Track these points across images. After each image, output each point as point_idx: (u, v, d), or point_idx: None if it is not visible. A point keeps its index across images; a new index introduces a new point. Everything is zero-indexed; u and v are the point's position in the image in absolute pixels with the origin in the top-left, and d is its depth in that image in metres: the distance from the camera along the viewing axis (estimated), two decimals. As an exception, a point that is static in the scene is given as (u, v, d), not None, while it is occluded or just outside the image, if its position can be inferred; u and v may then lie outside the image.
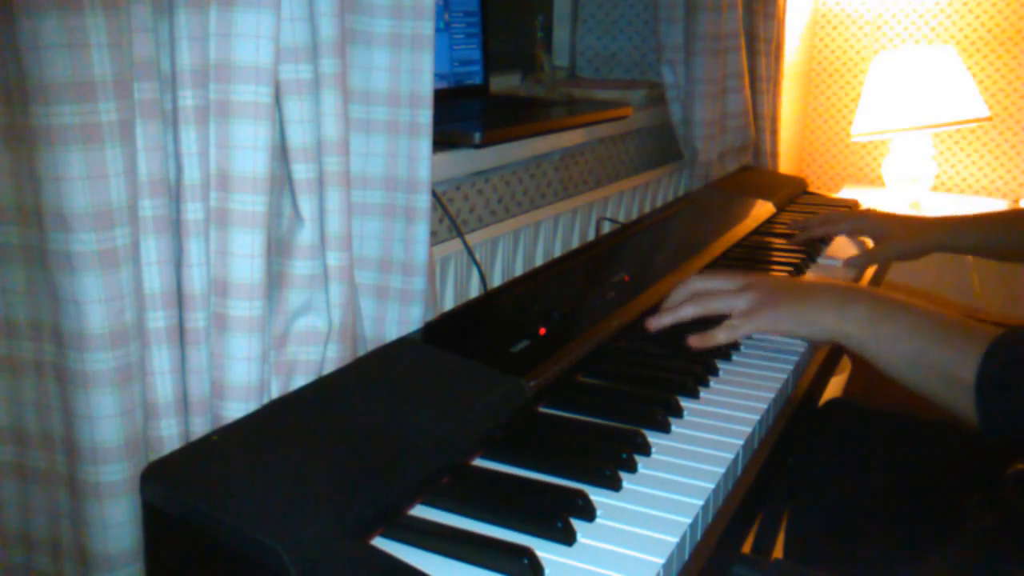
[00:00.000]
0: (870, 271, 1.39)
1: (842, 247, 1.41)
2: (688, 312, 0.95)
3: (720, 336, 0.93)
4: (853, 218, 1.41)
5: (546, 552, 0.60)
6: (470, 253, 1.17)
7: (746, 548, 0.94)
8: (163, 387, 0.73)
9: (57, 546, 0.74)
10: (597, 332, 0.94)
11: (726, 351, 0.95)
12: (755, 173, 1.92)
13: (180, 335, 0.74)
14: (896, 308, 0.85)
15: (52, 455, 0.72)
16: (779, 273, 1.25)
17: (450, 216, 1.18)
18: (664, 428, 0.78)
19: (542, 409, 0.83)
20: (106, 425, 0.68)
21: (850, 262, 1.34)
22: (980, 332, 0.80)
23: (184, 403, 0.75)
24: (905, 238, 1.31)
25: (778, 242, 1.43)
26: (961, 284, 2.45)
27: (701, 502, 0.67)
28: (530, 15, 1.77)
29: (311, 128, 0.78)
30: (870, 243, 1.40)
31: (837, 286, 0.90)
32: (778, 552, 1.17)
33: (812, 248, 1.37)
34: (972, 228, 1.29)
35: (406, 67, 0.87)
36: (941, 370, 0.81)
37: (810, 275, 1.28)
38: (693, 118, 1.71)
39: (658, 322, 0.96)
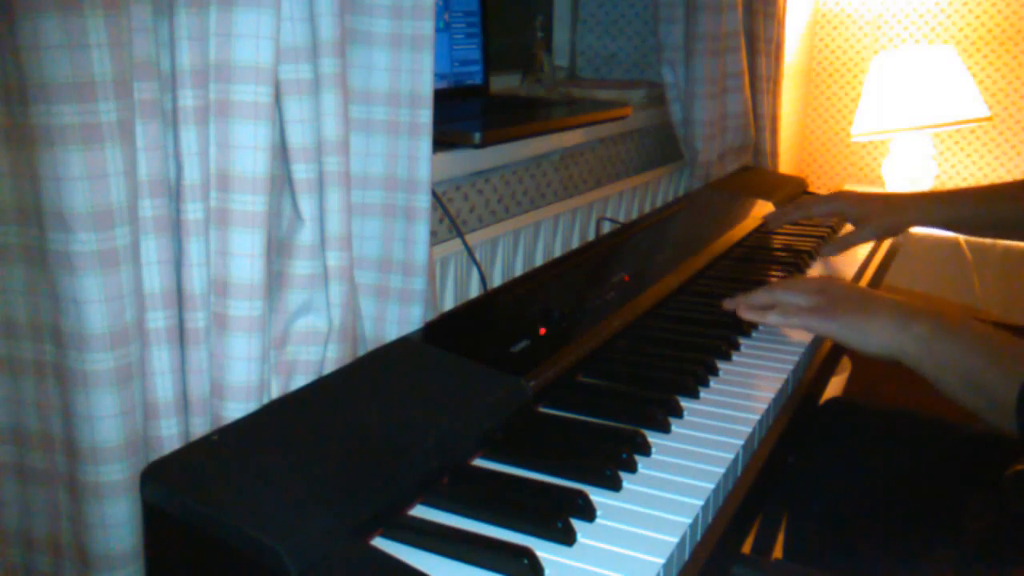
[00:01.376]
0: (876, 262, 1.39)
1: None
2: (771, 321, 0.97)
3: (771, 318, 0.95)
4: (828, 200, 1.39)
5: (546, 552, 0.60)
6: (470, 253, 1.17)
7: (746, 548, 0.94)
8: (163, 387, 0.73)
9: (57, 546, 0.74)
10: (597, 332, 0.94)
11: (726, 351, 0.95)
12: (755, 173, 1.92)
13: (180, 335, 0.74)
14: (952, 326, 0.85)
15: (52, 455, 0.72)
16: (780, 272, 1.25)
17: (450, 216, 1.18)
18: (664, 428, 0.78)
19: (542, 409, 0.83)
20: (106, 425, 0.68)
21: (826, 249, 1.35)
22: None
23: (184, 403, 0.75)
24: (881, 217, 1.31)
25: (778, 242, 1.43)
26: (961, 284, 2.45)
27: (701, 502, 0.67)
28: (530, 15, 1.77)
29: (311, 128, 0.78)
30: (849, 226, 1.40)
31: (898, 302, 0.90)
32: (778, 552, 1.17)
33: (814, 247, 1.37)
34: (947, 203, 1.29)
35: (406, 67, 0.87)
36: (988, 390, 0.81)
37: (812, 274, 1.28)
38: (693, 118, 1.71)
39: (745, 312, 0.99)
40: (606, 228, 1.56)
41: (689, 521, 0.64)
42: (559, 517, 0.62)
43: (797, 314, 0.94)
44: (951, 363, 0.84)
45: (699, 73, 1.67)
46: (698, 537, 0.66)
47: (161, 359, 0.73)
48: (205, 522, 0.59)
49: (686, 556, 0.64)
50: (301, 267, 0.81)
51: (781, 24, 2.02)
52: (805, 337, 1.00)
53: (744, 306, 0.98)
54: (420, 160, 0.89)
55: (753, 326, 1.03)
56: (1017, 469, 0.97)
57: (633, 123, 1.66)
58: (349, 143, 0.84)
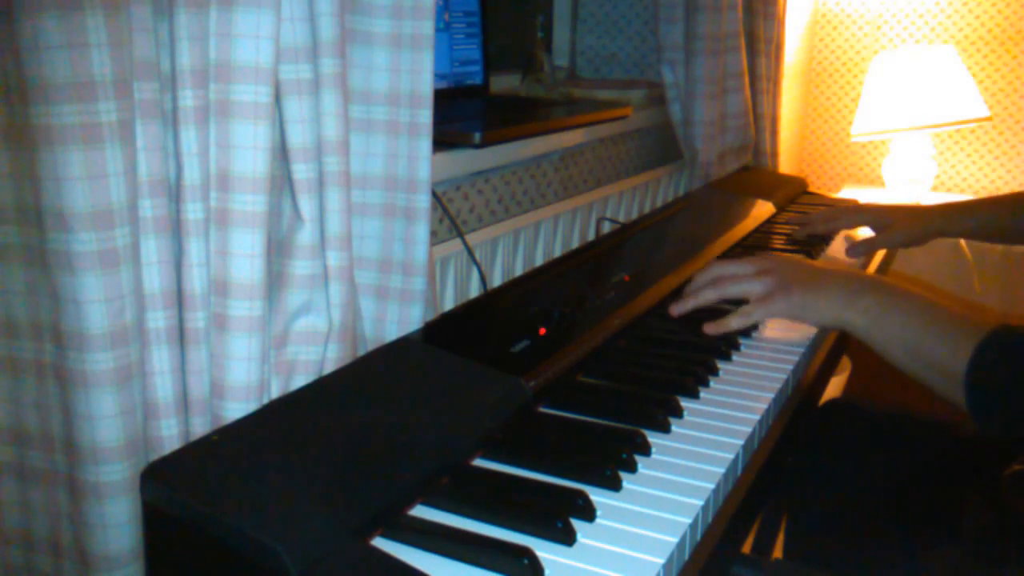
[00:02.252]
0: (876, 261, 1.40)
1: (841, 248, 1.41)
2: (708, 296, 0.98)
3: (733, 323, 0.95)
4: (854, 213, 1.43)
5: (546, 552, 0.60)
6: (470, 253, 1.17)
7: (746, 548, 0.94)
8: (163, 387, 0.73)
9: (57, 546, 0.74)
10: (597, 332, 0.94)
11: (726, 351, 0.95)
12: (755, 173, 1.92)
13: (180, 335, 0.74)
14: (900, 299, 0.87)
15: (52, 455, 0.72)
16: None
17: (450, 216, 1.18)
18: (664, 428, 0.78)
19: (542, 409, 0.83)
20: (106, 425, 0.68)
21: (853, 250, 1.36)
22: (974, 326, 0.81)
23: (184, 403, 0.75)
24: (906, 226, 1.33)
25: (778, 242, 1.43)
26: (962, 284, 2.45)
27: (701, 502, 0.67)
28: (530, 15, 1.77)
29: (311, 128, 0.78)
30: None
31: (848, 275, 0.92)
32: (778, 552, 1.17)
33: (812, 247, 1.37)
34: (969, 213, 1.32)
35: (406, 67, 0.87)
36: (937, 363, 0.82)
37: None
38: (693, 118, 1.71)
39: (681, 307, 1.00)
40: (606, 228, 1.56)
41: (689, 521, 0.64)
42: (559, 517, 0.62)
43: (755, 308, 0.95)
44: (897, 335, 0.85)
45: (699, 73, 1.67)
46: (698, 537, 0.66)
47: (161, 359, 0.73)
48: (205, 522, 0.59)
49: (686, 556, 0.64)
50: (301, 267, 0.81)
51: (781, 24, 2.02)
52: (805, 337, 1.00)
53: (711, 327, 0.97)
54: (420, 160, 0.89)
55: (753, 326, 1.03)
56: (1015, 469, 0.98)
57: (633, 123, 1.66)
58: (349, 143, 0.84)
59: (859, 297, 0.89)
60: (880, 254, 1.43)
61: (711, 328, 0.96)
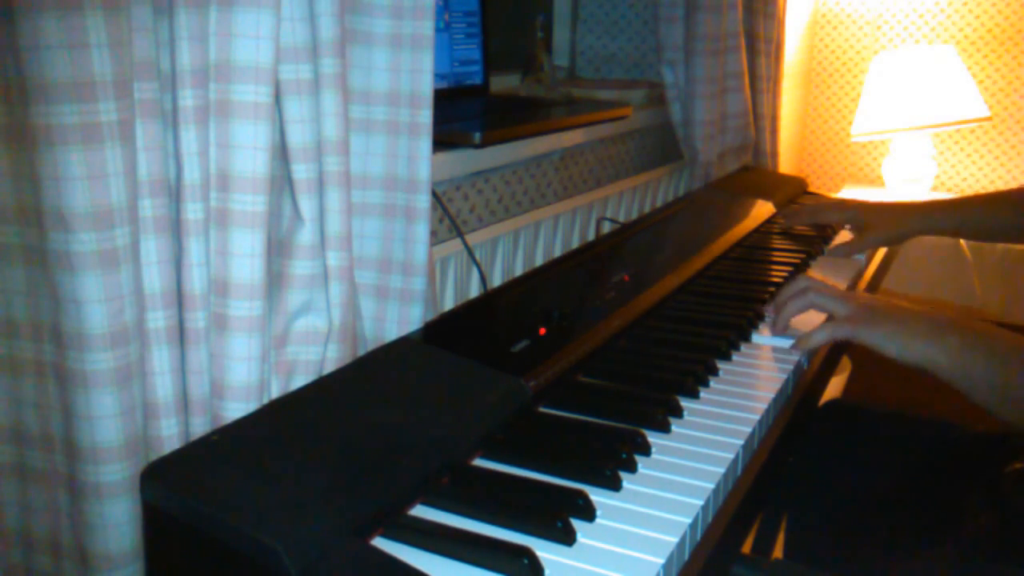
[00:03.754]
0: (876, 260, 1.40)
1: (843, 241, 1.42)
2: (798, 305, 0.99)
3: (818, 337, 0.95)
4: (836, 210, 1.45)
5: (546, 552, 0.60)
6: (470, 253, 1.17)
7: (746, 548, 0.94)
8: (163, 387, 0.73)
9: (57, 546, 0.74)
10: (597, 332, 0.94)
11: (726, 351, 0.95)
12: (755, 173, 1.92)
13: (180, 335, 0.74)
14: (984, 338, 0.87)
15: (52, 455, 0.72)
16: (781, 272, 1.25)
17: (450, 216, 1.18)
18: (664, 428, 0.78)
19: (542, 409, 0.83)
20: (106, 425, 0.68)
21: (833, 251, 1.38)
22: None
23: (184, 403, 0.75)
24: (885, 226, 1.34)
25: (778, 242, 1.43)
26: (962, 284, 2.46)
27: (701, 502, 0.67)
28: (530, 15, 1.77)
29: (311, 128, 0.78)
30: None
31: (932, 315, 0.91)
32: (778, 552, 1.17)
33: (812, 247, 1.38)
34: (950, 211, 1.32)
35: (406, 67, 0.87)
36: (1019, 400, 0.82)
37: (812, 273, 1.28)
38: (693, 118, 1.71)
39: (779, 323, 1.00)
40: (606, 228, 1.56)
41: (689, 521, 0.64)
42: (559, 517, 0.62)
43: (842, 326, 0.94)
44: (982, 375, 0.85)
45: (699, 73, 1.67)
46: (698, 537, 0.66)
47: (161, 359, 0.73)
48: (205, 522, 0.59)
49: (686, 556, 0.64)
50: (301, 267, 0.81)
51: (781, 24, 2.02)
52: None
53: (802, 343, 0.98)
54: (420, 160, 0.89)
55: (753, 326, 1.03)
56: (1016, 467, 0.98)
57: (633, 123, 1.67)
58: (349, 143, 0.84)
59: (944, 336, 0.88)
60: (878, 256, 1.43)
61: (801, 344, 0.96)
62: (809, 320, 1.01)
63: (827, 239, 1.45)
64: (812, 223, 1.48)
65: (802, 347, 0.97)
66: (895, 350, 0.90)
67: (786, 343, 0.99)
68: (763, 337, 1.01)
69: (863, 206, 1.42)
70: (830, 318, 0.98)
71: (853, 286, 1.27)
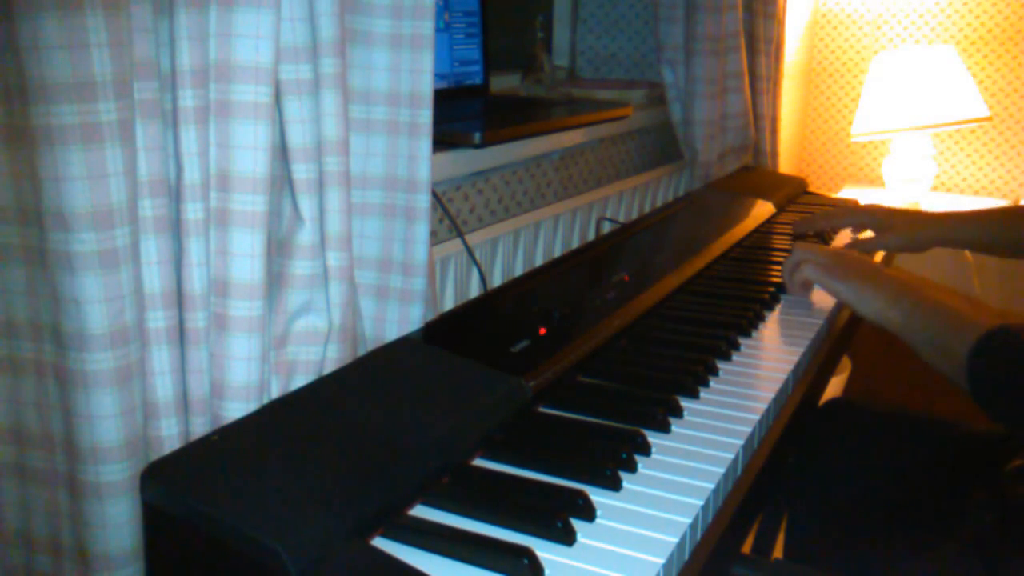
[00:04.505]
0: (876, 261, 1.40)
1: (843, 245, 1.42)
2: (800, 276, 1.12)
3: (806, 271, 1.09)
4: (855, 213, 1.43)
5: (546, 552, 0.60)
6: (470, 253, 1.17)
7: (746, 548, 0.94)
8: (163, 387, 0.73)
9: (57, 546, 0.74)
10: (597, 332, 0.94)
11: (726, 351, 0.95)
12: (755, 173, 1.92)
13: (180, 335, 0.74)
14: (929, 301, 0.94)
15: (52, 455, 0.72)
16: (781, 272, 1.25)
17: (450, 216, 1.18)
18: (664, 428, 0.78)
19: (542, 409, 0.83)
20: (106, 425, 0.68)
21: (850, 247, 1.37)
22: (986, 320, 0.88)
23: (184, 403, 0.75)
24: (905, 231, 1.34)
25: (778, 242, 1.43)
26: (962, 284, 2.45)
27: (701, 502, 0.67)
28: (530, 15, 1.77)
29: (311, 128, 0.78)
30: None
31: (897, 277, 1.01)
32: (778, 552, 1.17)
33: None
34: (970, 224, 1.32)
35: (406, 67, 0.87)
36: (952, 355, 0.88)
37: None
38: (693, 118, 1.70)
39: (794, 291, 1.16)
40: (606, 228, 1.56)
41: (689, 521, 0.64)
42: (559, 517, 0.62)
43: (816, 269, 1.08)
44: (925, 333, 0.93)
45: (699, 73, 1.67)
46: (698, 537, 0.66)
47: (161, 359, 0.73)
48: (205, 522, 0.59)
49: (686, 556, 0.64)
50: (301, 267, 0.81)
51: (781, 24, 2.02)
52: (805, 338, 1.00)
53: (791, 283, 1.15)
54: (420, 160, 0.89)
55: (753, 326, 1.03)
56: (1017, 464, 0.98)
57: (633, 123, 1.66)
58: (349, 143, 0.84)
59: (900, 298, 0.96)
60: (879, 255, 1.43)
61: (791, 288, 1.15)
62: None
63: (829, 238, 1.45)
64: (830, 228, 1.47)
65: (791, 289, 1.14)
66: (856, 303, 1.01)
67: (789, 344, 0.99)
68: (764, 336, 1.01)
69: (883, 210, 1.41)
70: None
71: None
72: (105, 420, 0.68)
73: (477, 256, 1.21)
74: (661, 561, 0.60)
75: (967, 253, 2.41)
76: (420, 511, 0.66)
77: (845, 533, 1.06)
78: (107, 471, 0.69)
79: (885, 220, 1.37)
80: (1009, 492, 0.97)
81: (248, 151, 0.73)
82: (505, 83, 1.76)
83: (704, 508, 0.67)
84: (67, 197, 0.64)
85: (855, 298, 1.01)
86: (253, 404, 0.77)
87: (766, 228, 1.50)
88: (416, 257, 0.91)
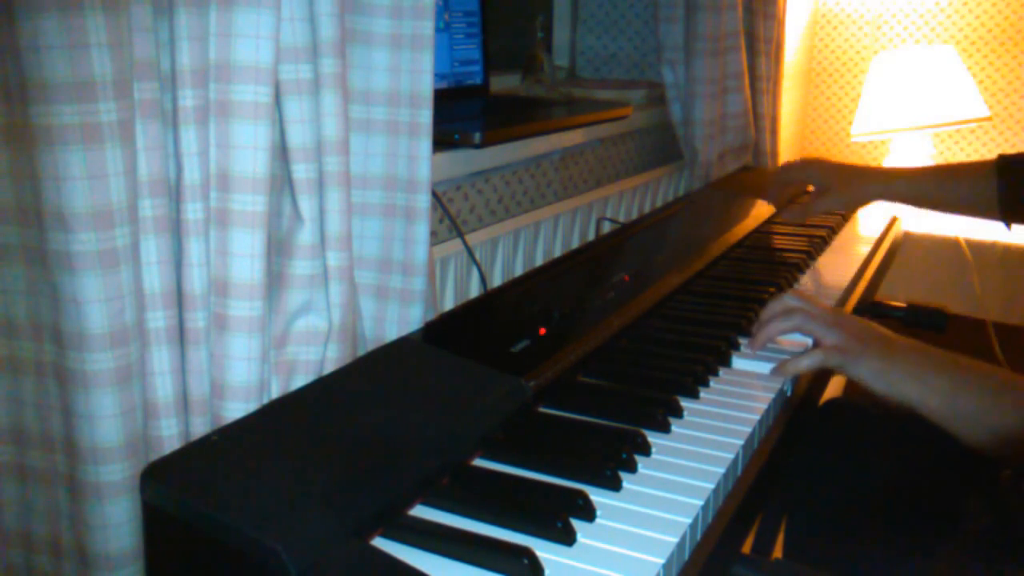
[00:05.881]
0: (869, 273, 1.40)
1: (854, 233, 1.43)
2: (782, 326, 0.94)
3: (804, 363, 0.91)
4: (799, 167, 1.48)
5: (546, 552, 0.60)
6: (470, 253, 1.17)
7: (746, 548, 0.94)
8: (163, 387, 0.73)
9: (57, 546, 0.74)
10: (597, 332, 0.94)
11: (726, 351, 0.95)
12: (755, 173, 1.92)
13: (180, 335, 0.74)
14: (975, 378, 0.85)
15: (52, 455, 0.72)
16: (780, 272, 1.25)
17: (450, 216, 1.18)
18: (664, 428, 0.78)
19: (542, 409, 0.83)
20: (106, 425, 0.68)
21: (788, 213, 1.43)
22: None
23: (184, 403, 0.75)
24: (844, 190, 1.35)
25: (778, 242, 1.43)
26: (962, 285, 2.45)
27: (701, 502, 0.67)
28: (530, 15, 1.77)
29: (311, 128, 0.78)
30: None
31: (920, 352, 0.89)
32: (778, 552, 1.17)
33: (813, 248, 1.38)
34: (911, 179, 1.32)
35: (406, 67, 0.87)
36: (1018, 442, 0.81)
37: (810, 276, 1.28)
38: (693, 118, 1.70)
39: (756, 343, 0.96)
40: (606, 228, 1.56)
41: (689, 521, 0.64)
42: (559, 517, 0.62)
43: (829, 355, 0.90)
44: (973, 414, 0.84)
45: (699, 73, 1.67)
46: (698, 537, 0.66)
47: (161, 359, 0.73)
48: (205, 522, 0.59)
49: (686, 556, 0.64)
50: (301, 267, 0.81)
51: (781, 24, 2.02)
52: (805, 338, 1.00)
53: (784, 368, 0.92)
54: (420, 160, 0.89)
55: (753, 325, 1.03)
56: (1015, 466, 0.97)
57: (633, 123, 1.66)
58: (349, 143, 0.84)
59: (933, 376, 0.86)
60: (879, 256, 1.43)
61: (782, 369, 0.91)
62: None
63: (826, 240, 1.45)
64: (783, 186, 1.52)
65: (785, 372, 0.91)
66: (883, 388, 0.88)
67: (789, 345, 0.98)
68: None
69: (825, 166, 1.42)
70: (817, 343, 0.94)
71: (851, 288, 1.27)
72: (105, 420, 0.68)
73: (477, 256, 1.21)
74: (661, 561, 0.60)
75: (967, 252, 2.41)
76: (420, 511, 0.66)
77: (845, 533, 1.06)
78: (107, 471, 0.69)
79: (824, 178, 1.38)
80: (1007, 495, 0.97)
81: (248, 151, 0.73)
82: (505, 83, 1.76)
83: (704, 508, 0.67)
84: (67, 197, 0.64)
85: (879, 383, 0.88)
86: (253, 404, 0.77)
87: (766, 228, 1.50)
88: (416, 257, 0.91)
